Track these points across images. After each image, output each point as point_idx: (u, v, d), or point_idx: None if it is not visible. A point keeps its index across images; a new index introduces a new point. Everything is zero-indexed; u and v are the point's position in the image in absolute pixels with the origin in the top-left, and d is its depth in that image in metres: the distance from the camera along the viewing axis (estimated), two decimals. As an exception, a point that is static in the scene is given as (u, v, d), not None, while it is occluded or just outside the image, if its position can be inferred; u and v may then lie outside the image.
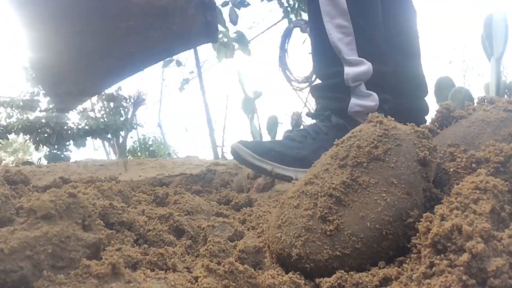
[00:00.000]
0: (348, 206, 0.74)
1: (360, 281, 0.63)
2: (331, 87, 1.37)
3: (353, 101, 1.34)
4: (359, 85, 1.33)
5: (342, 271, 0.67)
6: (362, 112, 1.35)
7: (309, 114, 1.63)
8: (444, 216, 0.56)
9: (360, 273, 0.67)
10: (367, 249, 0.71)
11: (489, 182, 0.58)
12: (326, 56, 1.36)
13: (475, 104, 1.20)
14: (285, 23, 4.71)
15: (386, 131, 0.78)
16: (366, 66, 1.33)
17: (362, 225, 0.71)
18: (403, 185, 0.73)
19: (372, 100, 1.36)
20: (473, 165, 0.74)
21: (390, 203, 0.72)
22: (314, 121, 1.47)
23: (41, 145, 7.48)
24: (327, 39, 1.32)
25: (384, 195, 0.72)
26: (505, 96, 2.82)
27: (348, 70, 1.32)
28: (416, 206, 0.72)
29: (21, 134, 7.40)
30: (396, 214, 0.71)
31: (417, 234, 0.63)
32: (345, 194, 0.75)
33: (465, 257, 0.47)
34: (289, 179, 1.36)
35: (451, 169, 0.80)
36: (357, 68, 1.32)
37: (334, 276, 0.66)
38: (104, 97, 7.96)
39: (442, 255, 0.51)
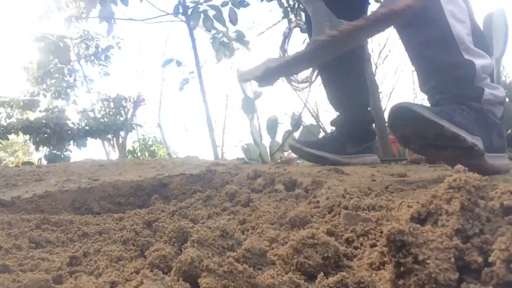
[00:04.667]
0: None
1: (362, 280, 0.62)
2: (463, 78, 1.43)
3: (487, 90, 1.42)
4: (487, 78, 1.43)
5: (344, 273, 0.66)
6: (493, 101, 1.44)
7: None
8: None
9: (363, 272, 0.65)
10: None
11: (461, 179, 0.56)
12: (447, 48, 1.44)
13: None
14: (285, 23, 4.72)
15: None
16: (488, 60, 1.44)
17: None
18: None
19: (501, 91, 1.46)
20: None
21: None
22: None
23: (41, 146, 7.48)
24: (450, 32, 1.40)
25: None
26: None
27: (478, 61, 1.41)
28: None
29: (21, 134, 7.41)
30: None
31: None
32: None
33: None
34: (463, 142, 1.29)
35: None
36: (483, 60, 1.42)
37: (334, 277, 0.65)
38: (104, 97, 7.96)
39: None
